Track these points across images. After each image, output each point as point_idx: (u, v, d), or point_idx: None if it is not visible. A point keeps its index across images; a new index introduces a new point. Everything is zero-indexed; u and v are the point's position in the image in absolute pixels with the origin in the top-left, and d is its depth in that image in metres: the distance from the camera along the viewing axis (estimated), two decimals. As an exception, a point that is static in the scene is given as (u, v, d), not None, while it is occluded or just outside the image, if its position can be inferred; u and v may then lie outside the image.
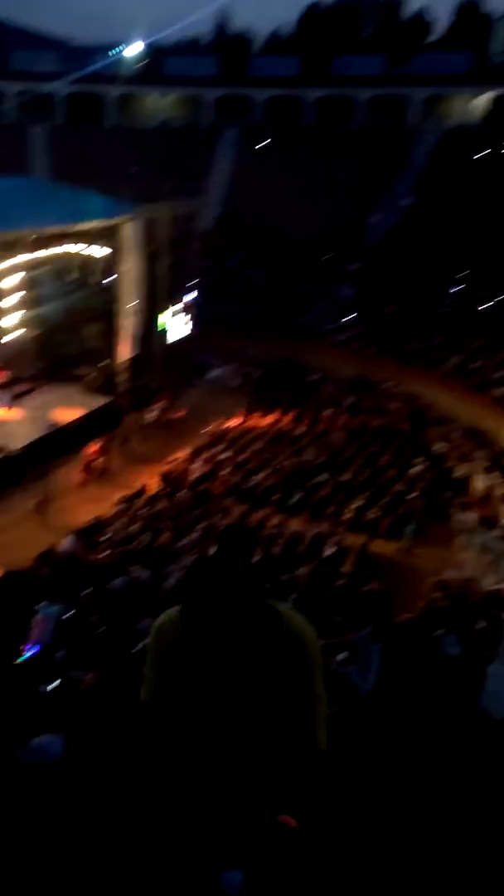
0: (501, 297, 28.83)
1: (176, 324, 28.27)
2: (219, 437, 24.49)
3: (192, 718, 1.47)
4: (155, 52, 51.79)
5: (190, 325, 28.85)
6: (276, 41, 57.41)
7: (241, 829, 1.66)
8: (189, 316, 28.90)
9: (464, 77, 42.57)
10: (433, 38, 55.25)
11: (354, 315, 31.71)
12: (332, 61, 46.16)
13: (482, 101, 42.98)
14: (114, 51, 50.18)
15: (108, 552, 16.78)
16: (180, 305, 28.49)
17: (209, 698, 1.46)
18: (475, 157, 37.06)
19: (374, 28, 56.01)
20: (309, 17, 56.16)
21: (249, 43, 57.18)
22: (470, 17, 52.44)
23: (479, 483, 20.69)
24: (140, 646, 9.98)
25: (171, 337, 27.83)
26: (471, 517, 18.74)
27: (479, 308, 29.04)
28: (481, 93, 42.56)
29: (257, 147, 43.02)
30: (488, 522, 18.40)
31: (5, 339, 24.72)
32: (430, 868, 2.52)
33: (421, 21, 56.37)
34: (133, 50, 49.83)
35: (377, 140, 41.22)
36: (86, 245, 24.10)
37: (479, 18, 51.45)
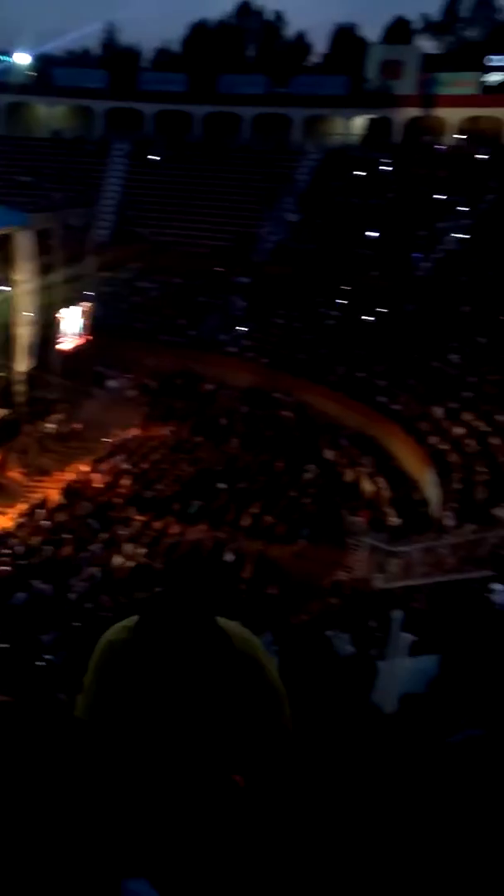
0: (382, 310, 29.88)
1: (71, 334, 27.90)
2: (118, 448, 24.38)
3: (140, 737, 1.40)
4: (44, 63, 50.82)
5: (86, 336, 28.54)
6: (163, 57, 57.36)
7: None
8: (85, 326, 28.59)
9: (342, 99, 43.81)
10: (312, 60, 56.58)
11: (246, 327, 32.15)
12: (218, 79, 46.59)
13: (359, 122, 44.35)
14: (1, 59, 48.91)
15: (8, 566, 16.46)
16: (76, 316, 28.14)
17: (160, 716, 1.39)
18: (354, 175, 38.25)
19: (257, 49, 56.83)
20: (195, 35, 56.40)
21: (138, 57, 56.90)
22: (345, 42, 53.96)
23: (367, 486, 21.47)
24: (43, 661, 9.92)
25: (67, 347, 27.45)
26: (360, 520, 19.43)
27: (362, 319, 30.00)
28: (358, 115, 43.93)
29: (148, 160, 42.92)
30: (377, 524, 19.14)
31: None
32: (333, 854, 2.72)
33: (300, 44, 57.60)
34: (21, 59, 48.74)
35: (263, 157, 41.93)
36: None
37: (354, 43, 52.99)
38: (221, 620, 1.80)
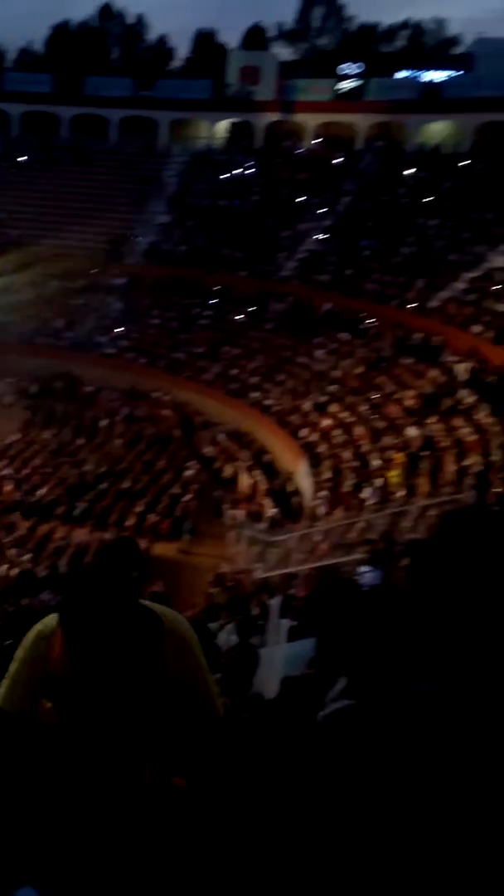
0: (252, 309, 30.34)
1: None
2: (-1, 455, 23.72)
3: (74, 727, 1.29)
4: None
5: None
6: (27, 57, 55.37)
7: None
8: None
9: (205, 103, 43.81)
10: (175, 64, 56.17)
11: (123, 328, 31.86)
12: (84, 81, 45.53)
13: (222, 126, 44.51)
14: None
15: None
16: None
17: (94, 705, 1.27)
18: (219, 177, 38.46)
19: (121, 51, 55.85)
20: (58, 36, 54.76)
21: (2, 57, 54.65)
22: (206, 47, 53.88)
23: (245, 481, 21.87)
24: None
25: None
26: (240, 513, 19.81)
27: (234, 319, 30.37)
28: (221, 119, 44.06)
29: (18, 161, 41.52)
30: (255, 516, 19.57)
31: None
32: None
33: (162, 48, 57.02)
34: None
35: (131, 159, 41.44)
36: None
37: (214, 48, 52.99)
38: (148, 602, 1.84)
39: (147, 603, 1.78)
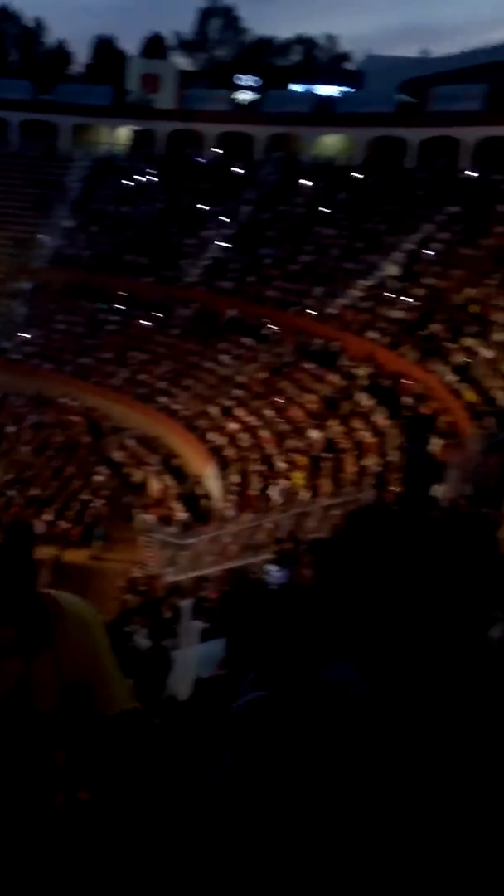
0: (158, 315, 30.37)
1: None
2: None
3: None
4: None
5: None
6: None
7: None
8: None
9: (106, 109, 43.37)
10: (75, 70, 55.34)
11: (28, 334, 31.25)
12: (-19, 83, 44.24)
13: (124, 133, 44.20)
14: None
15: None
16: None
17: None
18: (123, 183, 38.22)
19: (19, 54, 54.52)
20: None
21: None
22: (106, 54, 53.34)
23: (155, 485, 21.96)
24: None
25: None
26: (150, 517, 19.88)
27: (141, 324, 30.31)
28: (122, 125, 43.74)
29: None
30: (165, 520, 19.70)
31: None
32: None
33: (62, 52, 56.05)
34: None
35: (33, 163, 40.62)
36: None
37: (114, 55, 52.53)
38: (52, 591, 1.83)
39: (48, 590, 1.78)
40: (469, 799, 1.19)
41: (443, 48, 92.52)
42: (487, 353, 19.38)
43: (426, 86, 36.97)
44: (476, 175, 29.76)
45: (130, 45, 54.22)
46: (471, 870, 1.14)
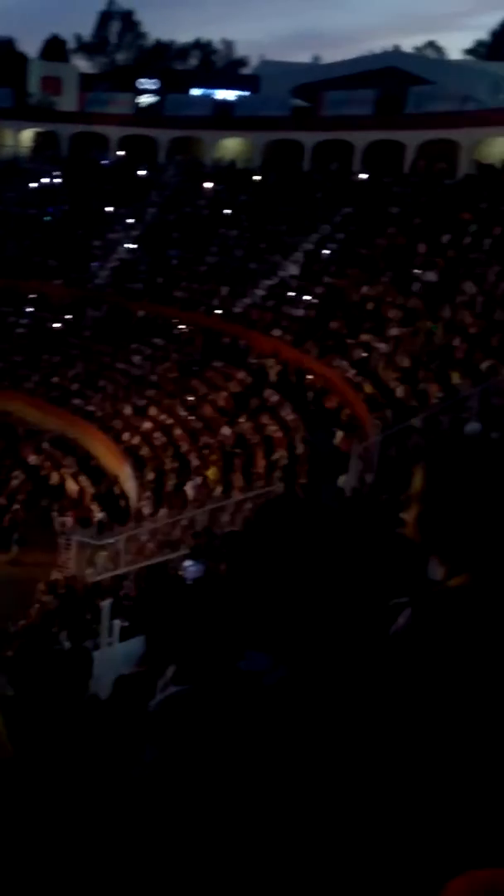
0: (69, 316, 29.75)
1: None
2: None
3: None
4: None
5: None
6: None
7: None
8: None
9: (7, 112, 41.99)
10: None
11: None
12: None
13: (27, 135, 42.94)
14: None
15: None
16: None
17: None
18: (28, 186, 37.16)
19: None
20: None
21: None
22: (6, 56, 51.61)
23: (72, 487, 21.53)
24: None
25: None
26: (68, 519, 19.50)
27: (52, 327, 29.60)
28: (25, 128, 42.48)
29: None
30: (84, 521, 19.36)
31: None
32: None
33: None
34: None
35: None
36: None
37: (14, 57, 50.90)
38: None
39: None
40: (381, 777, 1.21)
41: (333, 55, 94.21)
42: (383, 348, 19.83)
43: (318, 90, 37.52)
44: (368, 177, 30.42)
45: (30, 47, 52.65)
46: (385, 850, 1.16)
